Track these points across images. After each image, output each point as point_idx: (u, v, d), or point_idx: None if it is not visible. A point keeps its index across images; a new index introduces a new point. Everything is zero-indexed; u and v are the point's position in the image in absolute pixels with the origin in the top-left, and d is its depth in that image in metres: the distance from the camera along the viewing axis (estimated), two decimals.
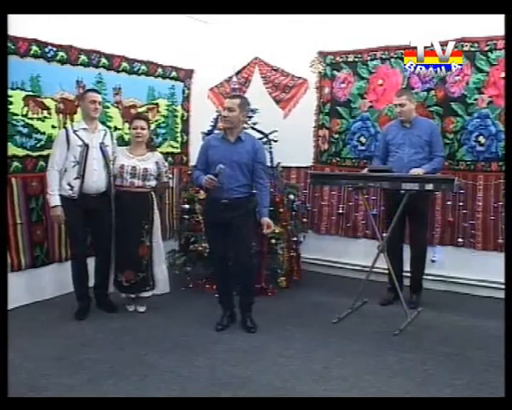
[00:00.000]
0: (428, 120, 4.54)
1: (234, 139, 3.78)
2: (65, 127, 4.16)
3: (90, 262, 4.22)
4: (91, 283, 4.26)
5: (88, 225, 4.14)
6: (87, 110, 4.06)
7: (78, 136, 3.99)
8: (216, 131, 4.93)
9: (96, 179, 4.03)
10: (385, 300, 4.46)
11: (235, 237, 3.81)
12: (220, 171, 3.63)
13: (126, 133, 4.79)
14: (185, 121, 5.80)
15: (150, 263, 4.22)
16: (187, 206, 4.93)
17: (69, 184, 3.97)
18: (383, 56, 5.04)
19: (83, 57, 4.58)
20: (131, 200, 4.10)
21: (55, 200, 3.96)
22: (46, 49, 4.28)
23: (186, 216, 4.95)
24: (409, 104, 4.27)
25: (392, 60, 4.98)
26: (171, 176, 4.45)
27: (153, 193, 4.22)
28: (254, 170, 3.78)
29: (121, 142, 4.66)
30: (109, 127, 4.56)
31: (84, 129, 4.04)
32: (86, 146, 3.99)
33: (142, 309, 4.28)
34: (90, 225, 4.15)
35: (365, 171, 4.36)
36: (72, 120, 4.47)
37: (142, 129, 4.14)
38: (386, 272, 4.38)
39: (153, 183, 4.19)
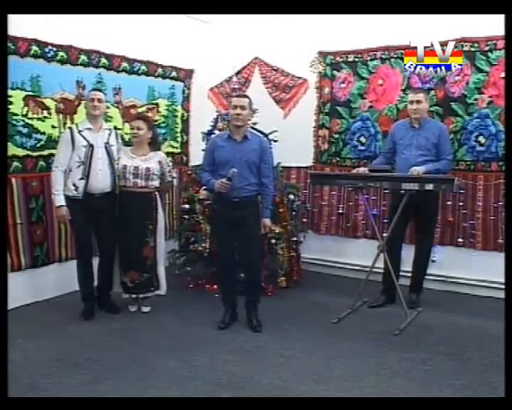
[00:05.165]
0: (437, 122, 4.52)
1: (240, 138, 3.79)
2: (70, 127, 4.15)
3: (94, 263, 4.21)
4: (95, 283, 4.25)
5: (93, 225, 4.14)
6: (88, 109, 4.06)
7: (82, 136, 3.98)
8: (216, 131, 4.94)
9: (101, 179, 4.02)
10: (376, 302, 4.41)
11: (243, 237, 3.82)
12: (233, 175, 3.65)
13: (126, 133, 4.78)
14: (185, 121, 5.80)
15: (155, 263, 4.21)
16: (187, 206, 4.92)
17: (74, 185, 3.96)
18: (383, 56, 5.03)
19: (83, 57, 4.58)
20: (135, 200, 4.09)
21: (59, 200, 3.96)
22: (46, 49, 4.28)
23: (186, 216, 4.95)
24: (425, 103, 4.25)
25: (392, 60, 4.97)
26: (175, 175, 4.41)
27: (156, 193, 4.20)
28: (260, 168, 3.80)
29: (122, 142, 4.65)
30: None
31: (88, 129, 4.02)
32: (91, 146, 3.98)
33: (146, 309, 4.27)
34: (95, 225, 4.14)
35: (364, 169, 4.36)
36: (72, 120, 4.48)
37: (139, 129, 4.11)
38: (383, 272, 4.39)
39: (156, 182, 4.17)
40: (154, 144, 4.27)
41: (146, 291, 4.22)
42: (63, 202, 3.95)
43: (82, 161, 3.95)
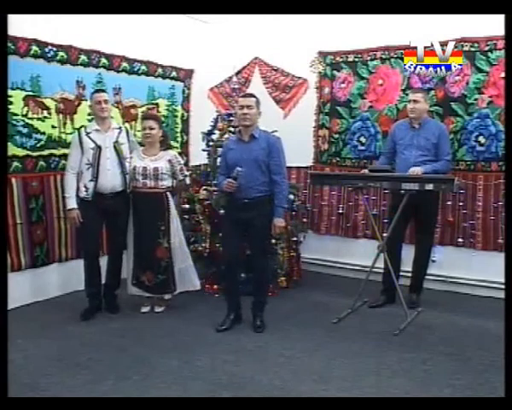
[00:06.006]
0: (437, 122, 4.52)
1: (248, 138, 3.78)
2: (78, 130, 4.16)
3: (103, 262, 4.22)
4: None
5: (105, 225, 4.16)
6: (95, 111, 4.07)
7: (90, 138, 4.00)
8: (216, 131, 4.95)
9: (110, 179, 4.02)
10: (376, 302, 4.41)
11: (252, 238, 3.82)
12: (238, 174, 3.64)
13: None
14: (185, 121, 5.80)
15: (171, 265, 4.17)
16: (187, 206, 4.92)
17: (85, 186, 3.98)
18: (383, 56, 5.03)
19: (83, 57, 4.58)
20: (145, 201, 4.08)
21: (70, 203, 3.99)
22: (46, 49, 4.29)
23: (186, 216, 4.95)
24: (423, 103, 4.24)
25: (392, 60, 4.97)
26: (187, 173, 4.36)
27: (168, 193, 4.16)
28: (269, 166, 3.76)
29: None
30: None
31: (96, 130, 4.03)
32: (99, 147, 3.98)
33: (159, 309, 4.26)
34: (108, 225, 4.16)
35: (365, 171, 4.36)
36: (72, 120, 4.49)
37: (151, 129, 4.09)
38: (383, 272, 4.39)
39: (167, 182, 4.14)
40: (165, 143, 4.24)
41: (162, 293, 4.21)
42: (74, 205, 3.98)
43: (90, 163, 3.97)
